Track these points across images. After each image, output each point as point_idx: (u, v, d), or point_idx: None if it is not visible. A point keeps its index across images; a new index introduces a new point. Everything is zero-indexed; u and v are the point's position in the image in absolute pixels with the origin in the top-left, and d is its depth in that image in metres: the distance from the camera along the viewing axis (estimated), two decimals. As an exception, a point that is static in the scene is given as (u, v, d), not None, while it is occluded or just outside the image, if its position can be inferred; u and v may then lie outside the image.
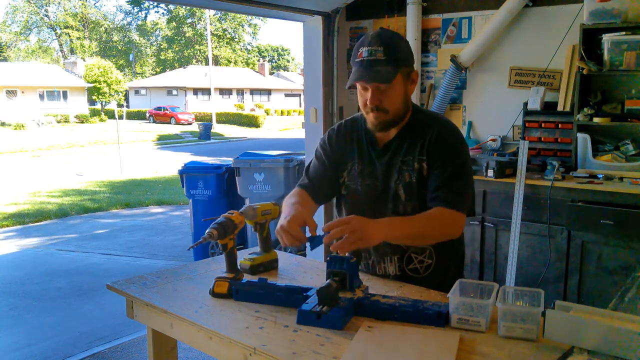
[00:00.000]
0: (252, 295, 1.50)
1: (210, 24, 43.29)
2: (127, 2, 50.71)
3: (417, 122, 1.67)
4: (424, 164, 1.62)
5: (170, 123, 31.37)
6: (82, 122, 30.46)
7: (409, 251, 1.69)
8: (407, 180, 1.64)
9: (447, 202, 1.56)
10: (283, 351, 1.21)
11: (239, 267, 1.69)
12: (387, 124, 1.63)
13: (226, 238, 1.60)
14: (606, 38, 3.16)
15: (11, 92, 29.70)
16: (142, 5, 49.01)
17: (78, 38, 45.82)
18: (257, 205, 1.81)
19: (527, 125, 3.61)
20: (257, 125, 31.35)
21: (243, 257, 1.81)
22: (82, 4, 46.43)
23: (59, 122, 29.28)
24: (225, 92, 38.20)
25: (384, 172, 1.67)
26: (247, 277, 1.67)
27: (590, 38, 3.27)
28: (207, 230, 1.56)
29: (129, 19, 53.95)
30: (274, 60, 55.80)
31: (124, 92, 37.20)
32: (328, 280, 1.42)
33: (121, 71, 42.52)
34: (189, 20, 47.67)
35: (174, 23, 48.39)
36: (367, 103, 1.58)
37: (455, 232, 1.62)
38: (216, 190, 5.27)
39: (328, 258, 1.46)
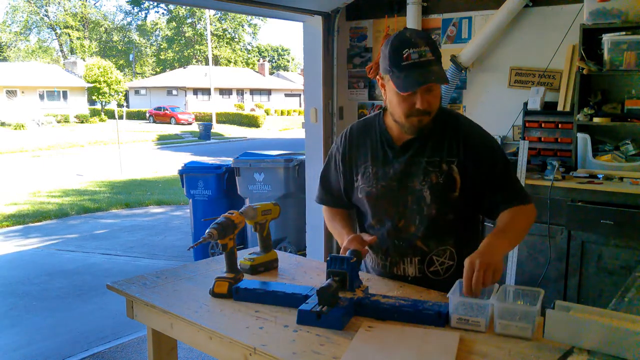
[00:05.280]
0: (252, 295, 1.50)
1: (210, 24, 43.29)
2: (127, 2, 50.74)
3: (439, 122, 1.61)
4: (453, 166, 1.58)
5: (170, 123, 31.37)
6: (82, 122, 30.46)
7: (431, 253, 1.64)
8: (434, 181, 1.58)
9: (519, 199, 1.59)
10: (283, 351, 1.21)
11: (239, 267, 1.69)
12: (426, 126, 1.57)
13: (226, 238, 1.59)
14: (606, 38, 3.16)
15: (11, 92, 29.69)
16: (142, 5, 49.03)
17: (78, 38, 45.82)
18: (257, 205, 1.81)
19: (527, 125, 3.61)
20: (257, 125, 31.34)
21: (243, 257, 1.81)
22: (82, 4, 46.44)
23: (59, 122, 29.28)
24: (225, 92, 38.20)
25: (403, 171, 1.62)
26: (247, 277, 1.67)
27: (590, 38, 3.27)
28: (207, 230, 1.57)
29: (129, 19, 54.06)
30: (274, 60, 55.78)
31: (124, 92, 37.20)
32: (328, 280, 1.42)
33: (121, 71, 42.52)
34: (189, 20, 47.68)
35: (174, 23, 48.39)
36: (418, 106, 1.50)
37: (534, 219, 1.64)
38: (216, 190, 5.27)
39: (328, 258, 1.47)
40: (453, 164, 1.58)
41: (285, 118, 36.17)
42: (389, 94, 1.57)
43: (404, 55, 1.46)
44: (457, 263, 1.66)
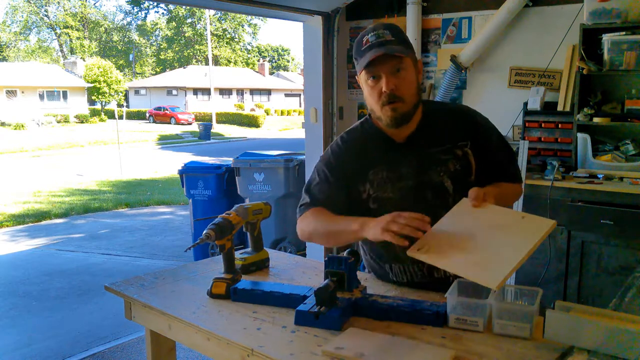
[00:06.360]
0: (250, 295, 1.50)
1: (210, 24, 43.29)
2: (127, 2, 50.77)
3: (434, 110, 1.60)
4: (467, 149, 1.55)
5: (170, 123, 31.37)
6: (82, 122, 30.46)
7: None
8: (452, 169, 1.54)
9: (516, 178, 1.65)
10: (281, 352, 1.20)
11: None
12: (404, 116, 1.49)
13: (224, 239, 1.59)
14: (606, 38, 3.15)
15: (11, 92, 29.70)
16: (142, 5, 49.08)
17: (78, 38, 45.85)
18: (248, 204, 1.79)
19: (527, 125, 3.60)
20: (257, 125, 31.35)
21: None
22: (82, 4, 46.47)
23: (59, 122, 29.28)
24: (225, 92, 38.20)
25: (417, 166, 1.54)
26: (243, 278, 1.67)
27: (590, 38, 3.26)
28: (204, 231, 1.56)
29: (128, 19, 54.11)
30: (274, 60, 55.80)
31: (124, 92, 37.21)
32: (326, 281, 1.42)
33: (121, 71, 42.54)
34: (189, 20, 47.69)
35: (173, 23, 48.39)
36: (383, 89, 1.45)
37: (517, 197, 1.69)
38: (216, 190, 5.27)
39: (326, 258, 1.46)
40: (466, 147, 1.56)
41: (285, 118, 36.17)
42: (363, 90, 1.55)
43: (363, 41, 1.48)
44: None
